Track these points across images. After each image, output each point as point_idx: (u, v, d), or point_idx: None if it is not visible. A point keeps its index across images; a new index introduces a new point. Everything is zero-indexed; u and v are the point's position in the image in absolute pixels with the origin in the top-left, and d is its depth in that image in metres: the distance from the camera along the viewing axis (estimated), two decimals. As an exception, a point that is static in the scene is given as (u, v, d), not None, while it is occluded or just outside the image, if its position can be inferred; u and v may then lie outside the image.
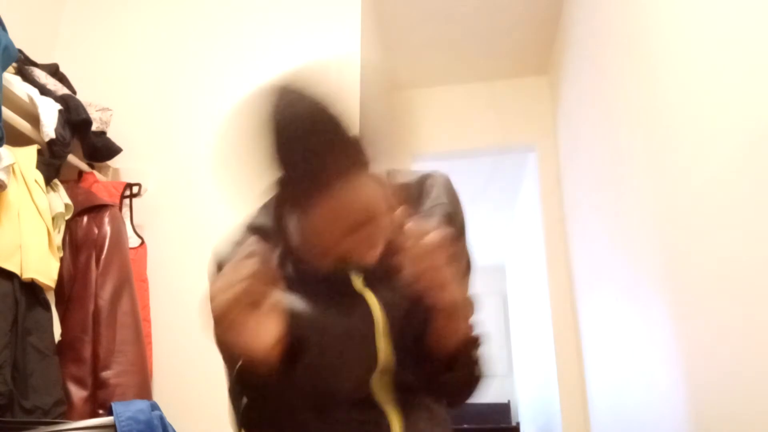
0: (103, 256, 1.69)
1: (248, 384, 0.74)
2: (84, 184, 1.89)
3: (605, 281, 2.12)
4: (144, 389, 1.65)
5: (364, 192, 0.71)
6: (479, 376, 0.85)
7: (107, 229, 1.73)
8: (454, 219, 0.87)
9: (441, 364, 0.81)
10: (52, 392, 1.46)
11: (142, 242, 1.96)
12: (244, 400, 0.76)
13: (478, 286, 0.97)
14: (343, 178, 0.68)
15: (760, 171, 0.96)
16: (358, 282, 0.82)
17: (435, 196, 0.88)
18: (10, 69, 1.76)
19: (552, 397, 3.00)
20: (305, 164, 0.67)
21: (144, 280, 1.92)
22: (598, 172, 2.14)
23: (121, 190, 1.98)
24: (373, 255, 0.75)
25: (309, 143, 0.66)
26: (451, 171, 1.24)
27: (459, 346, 0.79)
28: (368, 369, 0.80)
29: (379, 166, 0.72)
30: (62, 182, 1.76)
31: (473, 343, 0.81)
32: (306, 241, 0.74)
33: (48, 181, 1.66)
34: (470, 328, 0.79)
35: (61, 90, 1.89)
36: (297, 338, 0.73)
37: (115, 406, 1.34)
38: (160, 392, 1.84)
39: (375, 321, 0.80)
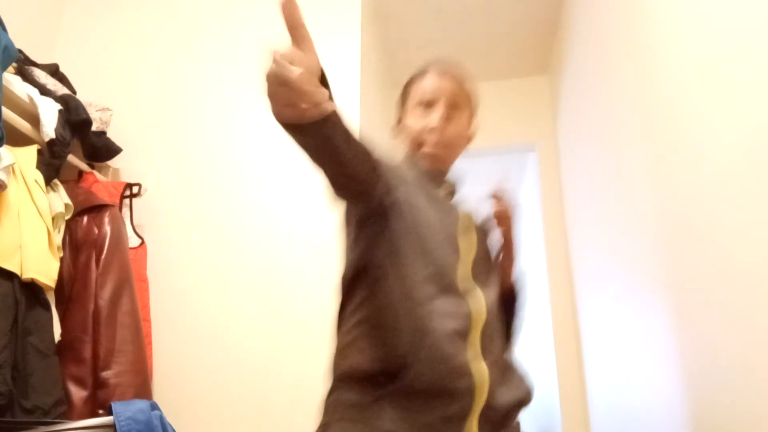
0: (103, 256, 1.69)
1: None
2: (84, 184, 1.89)
3: (605, 281, 2.12)
4: (144, 389, 1.65)
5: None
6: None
7: (107, 229, 1.73)
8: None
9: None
10: (52, 392, 1.46)
11: (142, 242, 1.96)
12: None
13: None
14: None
15: (761, 171, 0.96)
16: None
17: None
18: (10, 69, 1.76)
19: (552, 397, 3.00)
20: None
21: (144, 280, 1.92)
22: (599, 172, 2.14)
23: (121, 190, 1.98)
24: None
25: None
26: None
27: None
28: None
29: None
30: (62, 182, 1.75)
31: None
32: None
33: (48, 181, 1.66)
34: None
35: (61, 90, 1.88)
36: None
37: (115, 406, 1.34)
38: (160, 392, 1.84)
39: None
